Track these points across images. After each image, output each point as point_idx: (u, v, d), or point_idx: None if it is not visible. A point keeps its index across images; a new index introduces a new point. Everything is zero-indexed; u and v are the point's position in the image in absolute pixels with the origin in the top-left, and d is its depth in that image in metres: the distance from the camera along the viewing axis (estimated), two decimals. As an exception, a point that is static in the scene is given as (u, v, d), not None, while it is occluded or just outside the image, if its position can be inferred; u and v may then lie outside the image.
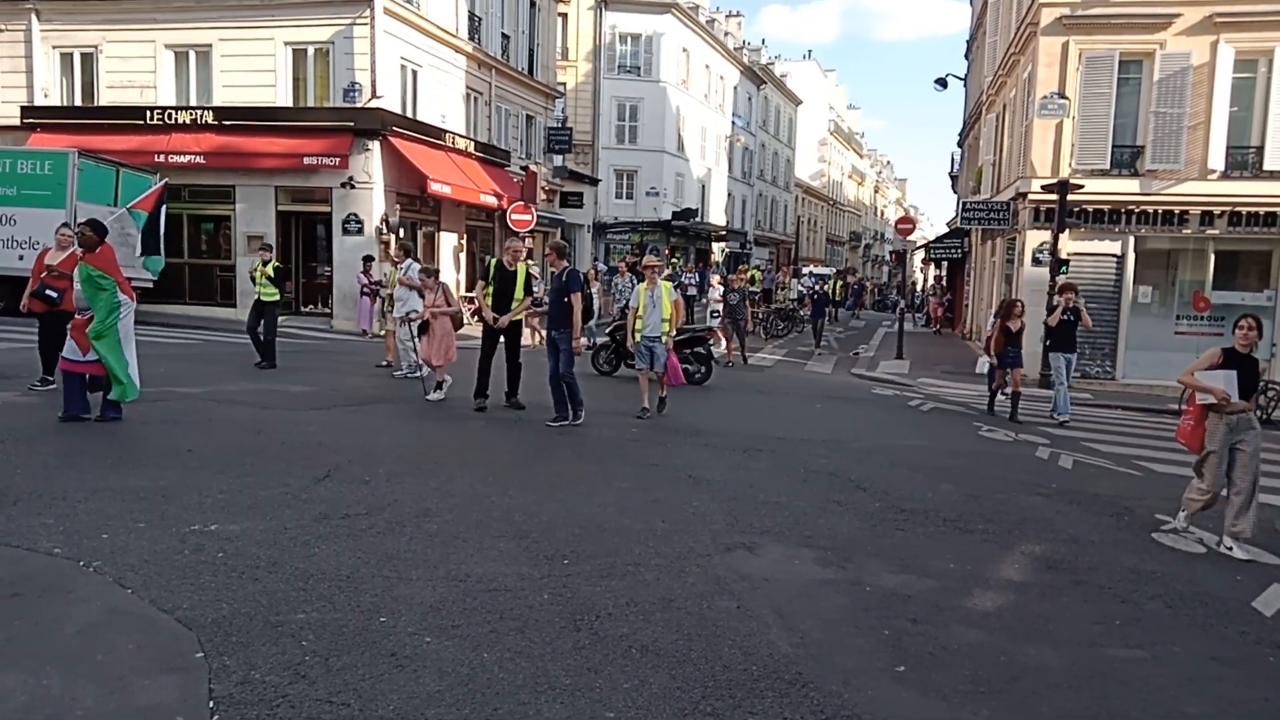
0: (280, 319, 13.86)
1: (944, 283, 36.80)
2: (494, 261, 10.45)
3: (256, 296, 13.13)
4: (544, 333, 14.05)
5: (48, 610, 4.16)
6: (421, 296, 12.21)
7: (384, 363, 13.88)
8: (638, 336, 10.64)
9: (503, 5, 27.00)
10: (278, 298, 13.14)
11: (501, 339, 10.39)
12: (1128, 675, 4.27)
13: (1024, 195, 19.12)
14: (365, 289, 18.82)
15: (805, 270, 45.08)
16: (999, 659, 4.34)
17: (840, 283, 36.43)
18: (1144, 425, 13.80)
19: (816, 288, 22.06)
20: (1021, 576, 5.71)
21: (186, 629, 4.03)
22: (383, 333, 14.93)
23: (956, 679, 4.08)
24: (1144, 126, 18.49)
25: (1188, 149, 18.13)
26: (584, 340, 9.64)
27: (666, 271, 18.98)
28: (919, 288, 54.74)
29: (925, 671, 4.13)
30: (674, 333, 11.02)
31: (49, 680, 3.51)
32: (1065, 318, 12.99)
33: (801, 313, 29.43)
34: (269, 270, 13.02)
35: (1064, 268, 17.57)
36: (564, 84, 36.47)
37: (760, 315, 27.60)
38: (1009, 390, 13.03)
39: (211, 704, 3.41)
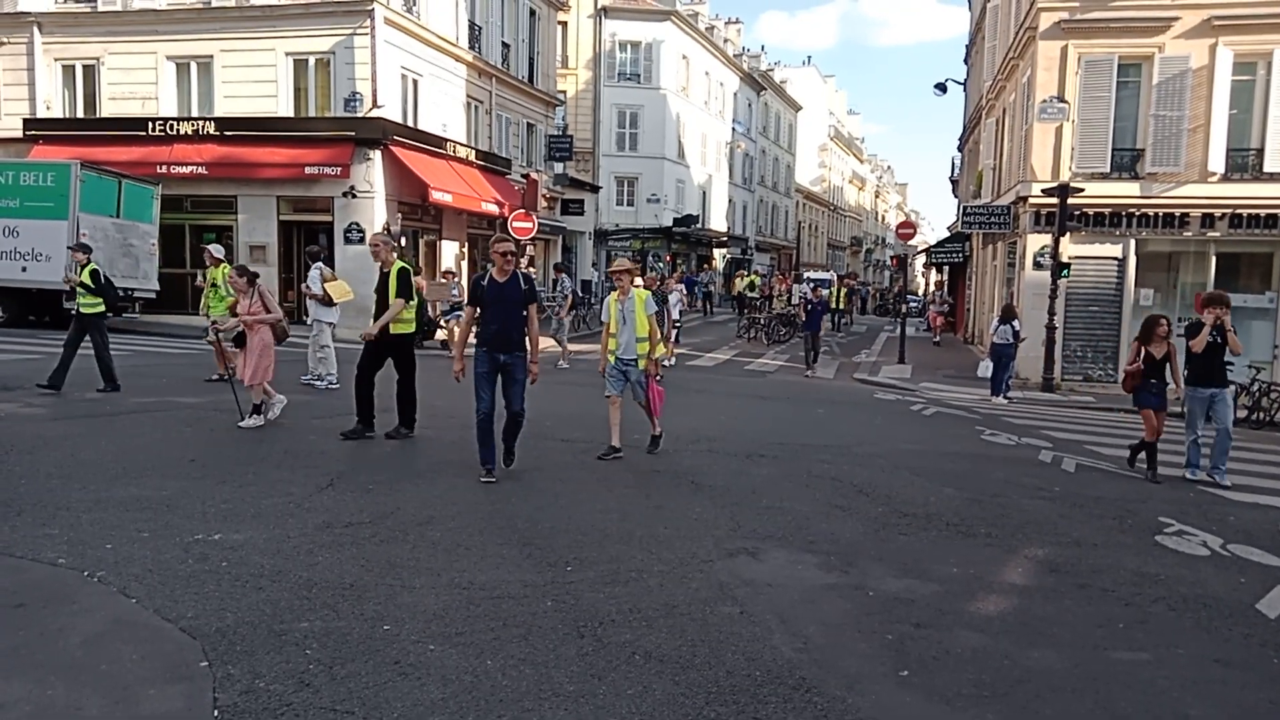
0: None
1: (945, 289, 36.10)
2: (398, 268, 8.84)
3: (75, 309, 11.06)
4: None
5: (52, 620, 4.17)
6: (327, 305, 12.02)
7: (216, 376, 11.77)
8: (611, 358, 8.72)
9: (503, 14, 27.10)
10: (101, 308, 10.91)
11: (391, 357, 8.84)
12: (1131, 678, 4.27)
13: (1024, 199, 19.13)
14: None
15: (805, 276, 45.07)
16: (1002, 663, 4.33)
17: (845, 289, 36.11)
18: (1147, 428, 13.76)
19: (811, 295, 20.31)
20: (1025, 580, 5.70)
21: (191, 638, 4.04)
22: (212, 342, 11.79)
23: (960, 683, 4.08)
24: (1144, 129, 18.51)
25: (1188, 152, 18.15)
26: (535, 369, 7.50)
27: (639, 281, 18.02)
28: (920, 292, 54.69)
29: (929, 676, 4.13)
30: (656, 354, 8.79)
31: (54, 690, 3.51)
32: (1212, 339, 9.60)
33: (800, 319, 29.28)
34: (85, 276, 10.75)
35: (1065, 271, 17.58)
36: (564, 92, 36.56)
37: (761, 321, 27.62)
38: (1149, 437, 9.66)
39: (216, 713, 3.42)
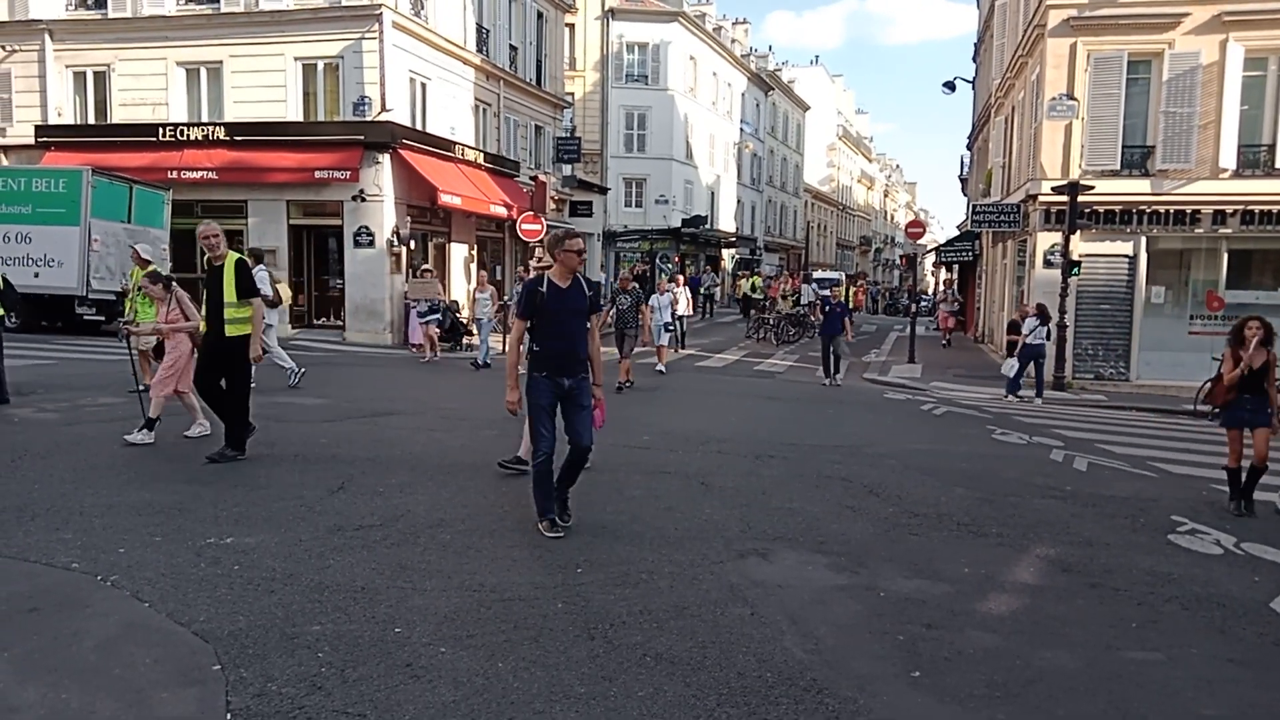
0: (293, 331, 13.64)
1: (955, 288, 35.28)
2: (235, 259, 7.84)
3: None
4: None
5: (66, 624, 4.20)
6: (273, 306, 11.81)
7: (142, 387, 9.79)
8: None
9: (510, 17, 27.14)
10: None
11: (223, 364, 7.69)
12: (1144, 678, 4.25)
13: (1034, 197, 19.06)
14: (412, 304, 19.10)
15: (815, 275, 44.92)
16: (1014, 663, 4.32)
17: (854, 289, 35.82)
18: (1158, 426, 13.72)
19: (830, 295, 19.08)
20: (1036, 580, 5.68)
21: (203, 641, 4.05)
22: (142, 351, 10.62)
23: (972, 683, 4.06)
24: (1154, 126, 18.42)
25: (1199, 148, 18.05)
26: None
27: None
28: (929, 291, 54.46)
29: (940, 676, 4.12)
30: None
31: (68, 694, 3.54)
32: None
33: (813, 320, 29.01)
34: None
35: (1076, 269, 17.51)
36: (572, 94, 36.59)
37: (770, 321, 27.60)
38: (1247, 460, 7.84)
39: (229, 716, 3.43)
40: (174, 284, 8.69)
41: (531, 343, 5.88)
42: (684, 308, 23.13)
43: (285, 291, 12.25)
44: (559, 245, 5.89)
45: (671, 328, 18.62)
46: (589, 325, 5.98)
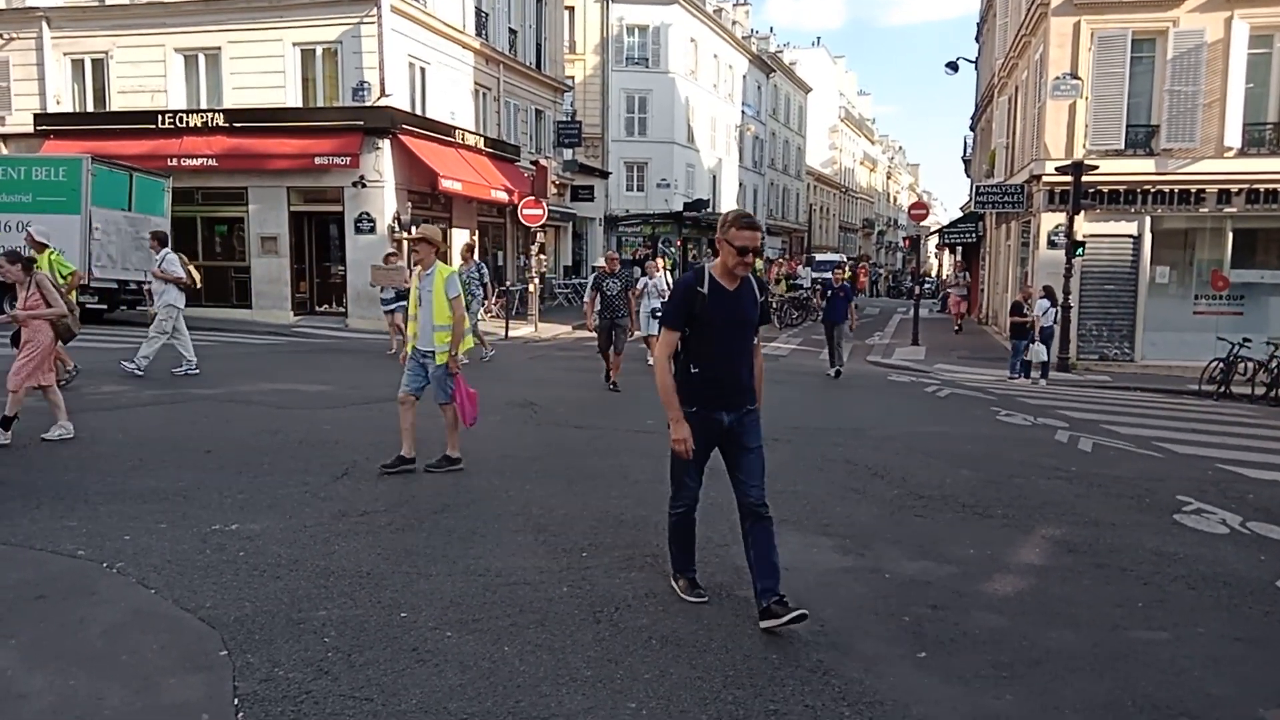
0: (295, 319, 13.52)
1: (964, 271, 34.45)
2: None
3: None
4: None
5: (73, 612, 4.20)
6: (181, 290, 11.46)
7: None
8: (408, 348, 7.20)
9: (509, 0, 26.98)
10: None
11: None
12: (1151, 657, 4.24)
13: (1038, 178, 18.98)
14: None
15: (818, 258, 44.71)
16: (1021, 643, 4.31)
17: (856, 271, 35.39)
18: (1163, 406, 13.69)
19: (832, 279, 17.29)
20: (1042, 560, 5.67)
21: (210, 628, 4.06)
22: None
23: (978, 664, 4.06)
24: (1158, 105, 18.32)
25: (1203, 127, 17.96)
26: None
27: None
28: (933, 274, 54.30)
29: (947, 657, 4.12)
30: (463, 349, 7.16)
31: (76, 681, 3.54)
32: None
33: (816, 303, 28.70)
34: None
35: (1080, 250, 17.45)
36: (572, 77, 36.42)
37: (774, 305, 27.54)
38: None
39: (236, 701, 3.44)
40: (35, 267, 8.04)
41: (687, 362, 4.42)
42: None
43: (194, 275, 11.99)
44: (727, 229, 4.35)
45: (659, 315, 17.15)
46: (755, 341, 4.59)
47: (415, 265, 7.27)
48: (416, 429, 7.17)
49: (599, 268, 12.59)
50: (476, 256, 16.46)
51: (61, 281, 9.47)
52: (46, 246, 10.21)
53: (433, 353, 7.01)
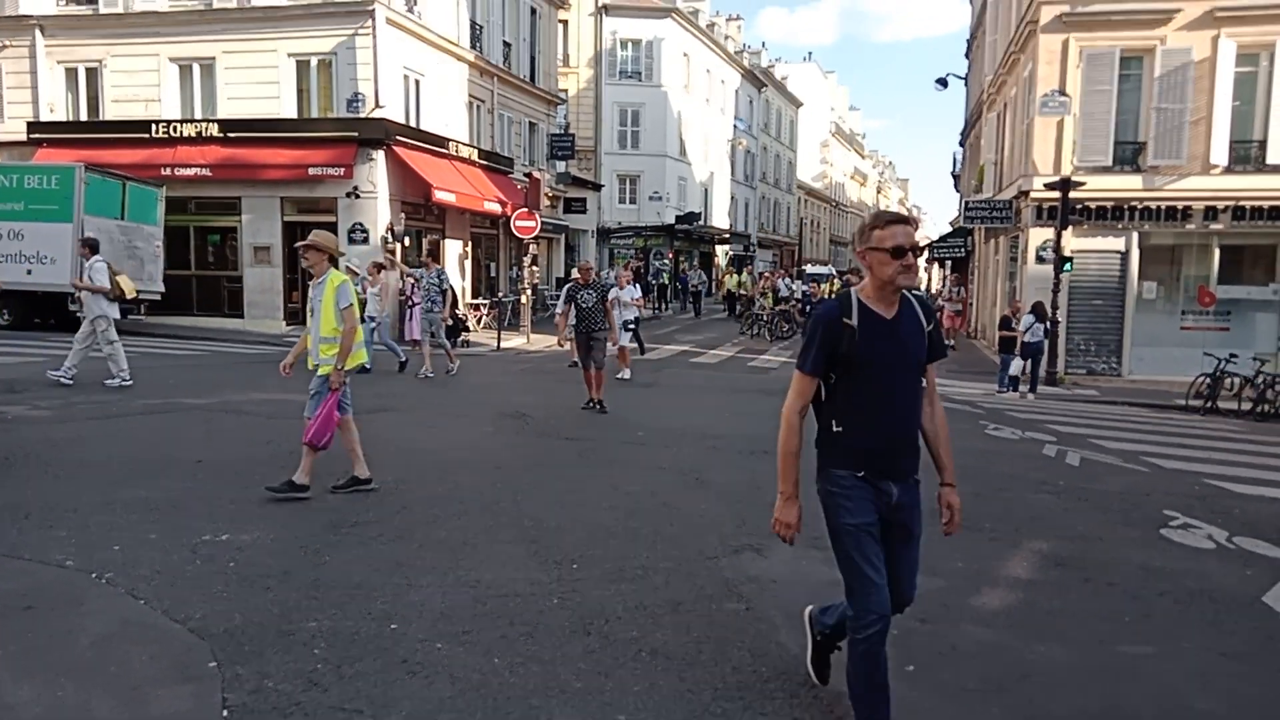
0: (288, 328, 13.44)
1: (956, 284, 33.93)
2: None
3: None
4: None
5: (61, 622, 4.19)
6: (110, 300, 11.14)
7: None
8: (290, 359, 6.90)
9: (504, 13, 27.09)
10: None
11: None
12: (1138, 672, 4.27)
13: (1026, 193, 19.10)
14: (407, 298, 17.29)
15: (809, 270, 44.78)
16: (1008, 657, 4.34)
17: (843, 285, 35.48)
18: (1151, 421, 13.77)
19: (811, 292, 16.70)
20: (1030, 575, 5.71)
21: (199, 639, 4.06)
22: None
23: (966, 678, 4.09)
24: (1146, 122, 18.47)
25: (1190, 144, 18.11)
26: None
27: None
28: (923, 287, 54.37)
29: (934, 671, 4.14)
30: (351, 364, 6.68)
31: (64, 692, 3.54)
32: None
33: (799, 318, 28.82)
34: None
35: (1068, 265, 17.56)
36: (566, 90, 36.54)
37: (765, 317, 27.61)
38: None
39: (226, 713, 3.44)
40: None
41: (829, 418, 3.48)
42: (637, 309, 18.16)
43: (127, 284, 11.80)
44: (868, 235, 3.30)
45: (632, 327, 16.19)
46: (924, 384, 3.48)
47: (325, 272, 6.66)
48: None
49: (573, 279, 12.18)
50: (439, 263, 15.65)
51: None
52: None
53: (318, 365, 6.64)
